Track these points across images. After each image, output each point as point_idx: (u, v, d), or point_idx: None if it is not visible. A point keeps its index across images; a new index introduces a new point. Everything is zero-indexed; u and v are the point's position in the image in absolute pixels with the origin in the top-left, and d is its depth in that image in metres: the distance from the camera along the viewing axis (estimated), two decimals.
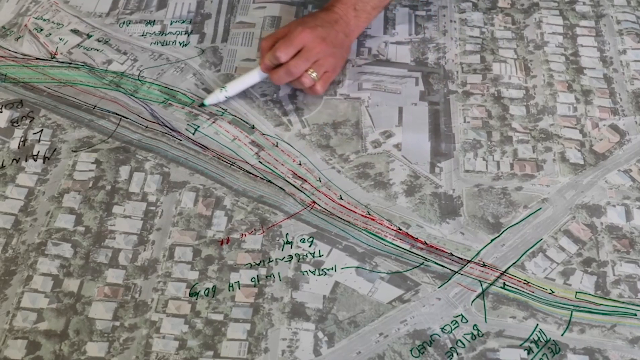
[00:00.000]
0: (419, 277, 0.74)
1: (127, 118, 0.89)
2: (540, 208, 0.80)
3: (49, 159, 0.85)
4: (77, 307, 0.72)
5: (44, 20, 1.03)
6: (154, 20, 1.03)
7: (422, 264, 0.75)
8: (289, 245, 0.77)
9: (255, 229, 0.78)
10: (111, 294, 0.73)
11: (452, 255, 0.76)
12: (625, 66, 0.95)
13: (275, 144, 0.87)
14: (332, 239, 0.77)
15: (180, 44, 0.99)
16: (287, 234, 0.78)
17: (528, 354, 0.69)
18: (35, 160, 0.85)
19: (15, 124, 0.89)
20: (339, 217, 0.79)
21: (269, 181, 0.83)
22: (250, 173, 0.84)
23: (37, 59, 0.97)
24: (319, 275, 0.75)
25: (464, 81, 0.94)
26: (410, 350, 0.69)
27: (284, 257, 0.76)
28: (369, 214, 0.80)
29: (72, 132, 0.88)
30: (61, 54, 0.98)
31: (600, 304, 0.72)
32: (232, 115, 0.90)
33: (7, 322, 0.71)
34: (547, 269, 0.75)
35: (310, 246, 0.77)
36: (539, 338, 0.70)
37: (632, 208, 0.80)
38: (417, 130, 0.88)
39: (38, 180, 0.83)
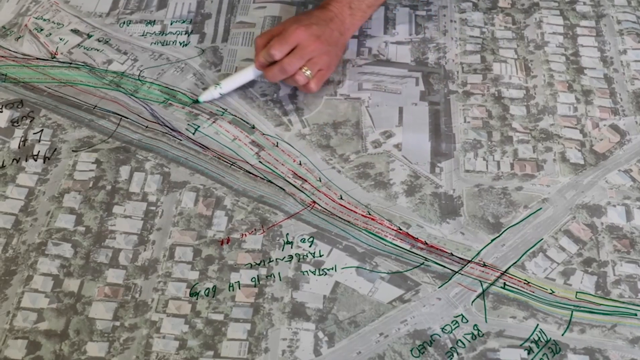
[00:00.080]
0: (419, 277, 0.74)
1: (127, 118, 0.89)
2: (541, 208, 0.80)
3: (49, 159, 0.85)
4: (78, 307, 0.72)
5: (44, 20, 1.03)
6: (154, 20, 1.03)
7: (423, 264, 0.75)
8: (289, 245, 0.77)
9: (255, 229, 0.78)
10: (111, 294, 0.73)
11: (453, 255, 0.76)
12: (625, 66, 0.95)
13: (276, 144, 0.87)
14: (332, 239, 0.77)
15: (180, 44, 0.99)
16: (288, 234, 0.78)
17: (528, 354, 0.69)
18: (36, 160, 0.85)
19: (15, 124, 0.89)
20: (339, 217, 0.79)
21: (269, 181, 0.83)
22: (250, 173, 0.84)
23: (37, 58, 0.97)
24: (319, 275, 0.75)
25: (465, 81, 0.94)
26: (411, 350, 0.69)
27: (284, 257, 0.76)
28: (369, 214, 0.80)
29: (72, 132, 0.88)
30: (61, 53, 0.98)
31: (601, 304, 0.72)
32: (232, 115, 0.90)
33: (7, 322, 0.71)
34: (548, 269, 0.75)
35: (310, 246, 0.77)
36: (539, 338, 0.70)
37: (632, 208, 0.80)
38: (418, 130, 0.88)
39: (38, 180, 0.83)
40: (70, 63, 0.96)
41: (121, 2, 1.06)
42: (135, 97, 0.92)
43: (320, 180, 0.83)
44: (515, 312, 0.72)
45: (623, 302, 0.72)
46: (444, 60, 0.96)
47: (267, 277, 0.75)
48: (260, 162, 0.85)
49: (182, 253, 0.76)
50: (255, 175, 0.83)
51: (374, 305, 0.72)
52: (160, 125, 0.88)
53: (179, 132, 0.88)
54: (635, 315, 0.71)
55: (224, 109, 0.90)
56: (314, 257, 0.76)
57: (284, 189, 0.82)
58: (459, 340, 0.70)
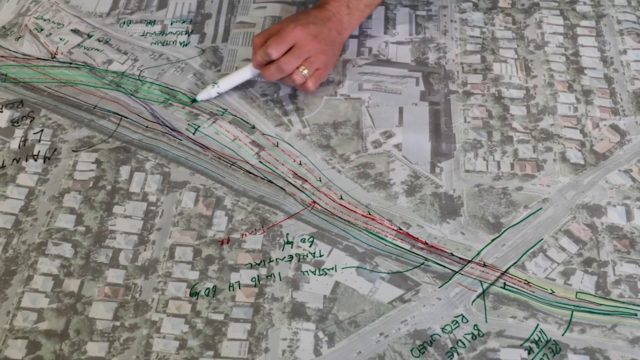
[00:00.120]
0: (420, 277, 0.74)
1: (127, 118, 0.89)
2: (541, 208, 0.80)
3: (49, 159, 0.85)
4: (78, 307, 0.72)
5: (45, 20, 1.03)
6: (155, 20, 1.03)
7: (423, 264, 0.75)
8: (290, 245, 0.77)
9: (255, 229, 0.78)
10: (111, 294, 0.73)
11: (453, 255, 0.76)
12: (625, 66, 0.95)
13: (276, 144, 0.87)
14: (332, 239, 0.77)
15: (180, 44, 0.99)
16: (288, 234, 0.78)
17: (529, 354, 0.69)
18: (36, 160, 0.85)
19: (15, 124, 0.89)
20: (339, 217, 0.79)
21: (270, 181, 0.83)
22: (250, 173, 0.84)
23: (37, 58, 0.97)
24: (320, 275, 0.75)
25: (465, 81, 0.94)
26: (411, 350, 0.69)
27: (285, 257, 0.76)
28: (370, 214, 0.80)
29: (72, 132, 0.88)
30: (62, 53, 0.98)
31: (601, 304, 0.72)
32: (232, 115, 0.90)
33: (7, 322, 0.71)
34: (548, 269, 0.75)
35: (310, 246, 0.77)
36: (539, 338, 0.70)
37: (632, 208, 0.80)
38: (418, 130, 0.88)
39: (38, 180, 0.83)
40: (71, 63, 0.96)
41: (121, 2, 1.06)
42: (136, 97, 0.92)
43: (321, 180, 0.83)
44: (515, 312, 0.72)
45: (623, 302, 0.72)
46: (444, 60, 0.96)
47: (267, 277, 0.75)
48: (260, 162, 0.85)
49: (182, 253, 0.76)
50: (256, 175, 0.83)
51: (374, 305, 0.72)
52: (161, 125, 0.88)
53: (179, 132, 0.88)
54: (636, 315, 0.71)
55: (224, 109, 0.90)
56: (314, 257, 0.76)
57: (284, 189, 0.82)
58: (459, 340, 0.70)
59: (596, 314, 0.71)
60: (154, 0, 1.06)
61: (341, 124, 0.89)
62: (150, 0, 1.06)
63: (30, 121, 0.89)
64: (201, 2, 1.06)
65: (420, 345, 0.69)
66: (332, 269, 0.75)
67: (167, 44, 0.99)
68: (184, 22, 1.03)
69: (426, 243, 0.77)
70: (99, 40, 1.00)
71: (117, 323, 0.71)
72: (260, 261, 0.76)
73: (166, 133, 0.88)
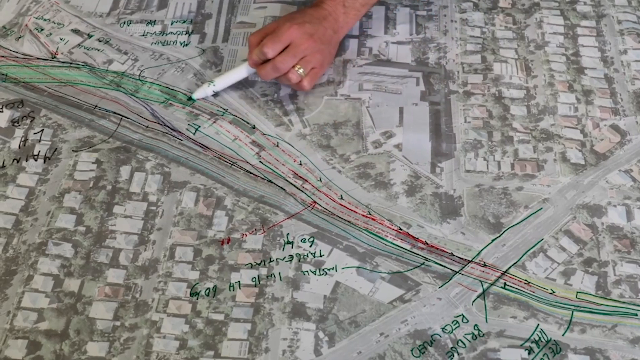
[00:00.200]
0: (420, 277, 0.74)
1: (127, 118, 0.89)
2: (541, 208, 0.80)
3: (49, 159, 0.85)
4: (78, 307, 0.72)
5: (45, 20, 1.03)
6: (155, 20, 1.03)
7: (423, 264, 0.75)
8: (290, 245, 0.77)
9: (256, 229, 0.78)
10: (112, 294, 0.73)
11: (453, 255, 0.76)
12: (626, 66, 0.95)
13: (276, 144, 0.87)
14: (332, 239, 0.77)
15: (181, 44, 0.99)
16: (288, 233, 0.78)
17: (529, 354, 0.69)
18: (36, 160, 0.85)
19: (15, 124, 0.89)
20: (339, 217, 0.79)
21: (270, 181, 0.83)
22: (251, 173, 0.84)
23: (37, 58, 0.97)
24: (320, 275, 0.75)
25: (465, 81, 0.94)
26: (411, 350, 0.69)
27: (285, 257, 0.76)
28: (370, 214, 0.80)
29: (72, 132, 0.88)
30: (62, 53, 0.98)
31: (601, 304, 0.72)
32: (232, 115, 0.90)
33: (7, 322, 0.71)
34: (548, 269, 0.75)
35: (311, 246, 0.77)
36: (539, 338, 0.70)
37: (632, 208, 0.80)
38: (418, 130, 0.88)
39: (39, 180, 0.83)
40: (71, 63, 0.96)
41: (121, 2, 1.06)
42: (136, 97, 0.92)
43: (321, 180, 0.83)
44: (515, 312, 0.72)
45: (623, 302, 0.72)
46: (444, 60, 0.96)
47: (267, 277, 0.74)
48: (260, 162, 0.85)
49: (183, 253, 0.76)
50: (256, 175, 0.83)
51: (375, 305, 0.72)
52: (161, 125, 0.88)
53: (180, 132, 0.88)
54: (636, 315, 0.71)
55: (224, 109, 0.90)
56: (314, 257, 0.76)
57: (284, 189, 0.82)
58: (460, 340, 0.70)
59: (596, 314, 0.71)
60: (154, 0, 1.06)
61: (341, 124, 0.89)
62: (150, 0, 1.06)
63: (31, 121, 0.89)
64: (201, 2, 1.06)
65: (420, 345, 0.69)
66: (333, 269, 0.75)
67: (167, 44, 0.99)
68: (184, 22, 1.03)
69: (426, 243, 0.77)
70: (99, 40, 1.00)
71: (118, 323, 0.71)
72: (261, 261, 0.76)
73: (166, 133, 0.88)
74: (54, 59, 0.97)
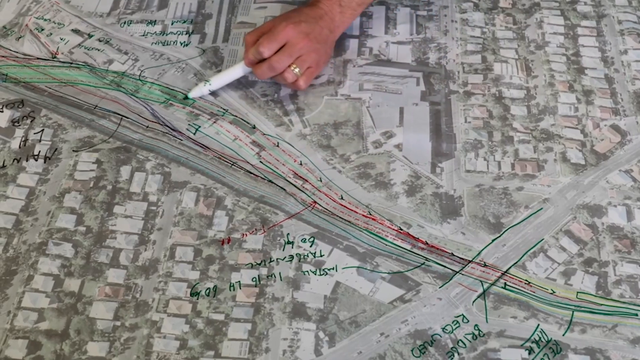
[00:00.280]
0: (420, 277, 0.74)
1: (128, 118, 0.89)
2: (542, 208, 0.80)
3: (49, 159, 0.85)
4: (78, 306, 0.72)
5: (45, 20, 1.03)
6: (155, 20, 1.03)
7: (423, 264, 0.75)
8: (290, 245, 0.77)
9: (256, 229, 0.78)
10: (112, 294, 0.73)
11: (453, 255, 0.76)
12: (626, 66, 0.95)
13: (277, 144, 0.86)
14: (333, 239, 0.77)
15: (181, 44, 0.99)
16: (288, 233, 0.78)
17: (529, 354, 0.69)
18: (36, 160, 0.85)
19: (16, 124, 0.89)
20: (340, 217, 0.79)
21: (270, 181, 0.83)
22: (251, 173, 0.84)
23: (38, 58, 0.97)
24: (320, 275, 0.75)
25: (465, 81, 0.94)
26: (412, 350, 0.69)
27: (285, 257, 0.76)
28: (370, 214, 0.80)
29: (73, 132, 0.88)
30: (62, 53, 0.98)
31: (602, 304, 0.72)
32: (233, 115, 0.90)
33: (8, 322, 0.71)
34: (548, 269, 0.75)
35: (311, 246, 0.77)
36: (540, 338, 0.70)
37: (633, 208, 0.80)
38: (418, 130, 0.88)
39: (39, 180, 0.83)
40: (71, 63, 0.96)
41: (122, 2, 1.06)
42: (136, 97, 0.92)
43: (321, 180, 0.83)
44: (516, 312, 0.72)
45: (624, 302, 0.72)
46: (444, 60, 0.96)
47: (267, 277, 0.74)
48: (261, 162, 0.85)
49: (183, 253, 0.76)
50: (256, 175, 0.83)
51: (375, 305, 0.72)
52: (161, 125, 0.88)
53: (180, 132, 0.88)
54: (636, 315, 0.71)
55: (224, 109, 0.90)
56: (314, 257, 0.76)
57: (284, 189, 0.82)
58: (460, 340, 0.70)
59: (597, 314, 0.71)
60: (155, 0, 1.06)
61: (342, 124, 0.89)
62: (150, 0, 1.06)
63: (31, 121, 0.89)
64: (202, 2, 1.06)
65: (420, 345, 0.69)
66: (333, 269, 0.75)
67: (167, 44, 0.99)
68: (184, 22, 1.03)
69: (427, 243, 0.77)
70: (100, 40, 1.00)
71: (118, 323, 0.71)
72: (261, 261, 0.76)
73: (167, 133, 0.88)
74: (55, 59, 0.97)
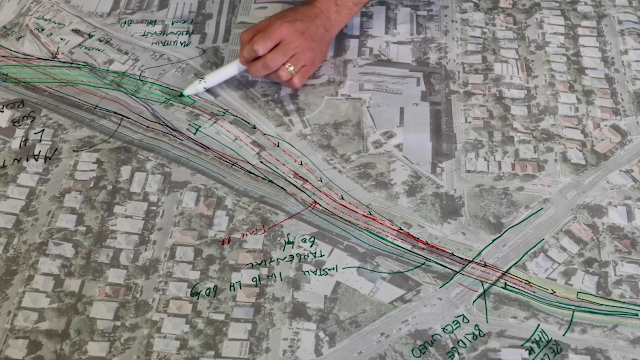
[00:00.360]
0: (421, 277, 0.74)
1: (128, 118, 0.89)
2: (542, 208, 0.80)
3: (50, 159, 0.85)
4: (78, 306, 0.72)
5: (45, 20, 1.03)
6: (155, 20, 1.03)
7: (424, 264, 0.75)
8: (290, 245, 0.77)
9: (256, 229, 0.78)
10: (112, 294, 0.73)
11: (454, 255, 0.76)
12: (626, 66, 0.95)
13: (277, 144, 0.86)
14: (333, 239, 0.77)
15: (181, 44, 0.99)
16: (289, 233, 0.78)
17: (529, 354, 0.69)
18: (37, 160, 0.85)
19: (16, 124, 0.89)
20: (340, 217, 0.79)
21: (270, 181, 0.83)
22: (251, 173, 0.84)
23: (38, 58, 0.97)
24: (320, 275, 0.75)
25: (466, 81, 0.94)
26: (412, 350, 0.69)
27: (285, 257, 0.76)
28: (370, 214, 0.80)
29: (73, 132, 0.88)
30: (62, 53, 0.98)
31: (602, 304, 0.72)
32: (233, 115, 0.90)
33: (8, 322, 0.71)
34: (549, 269, 0.75)
35: (311, 246, 0.77)
36: (540, 338, 0.70)
37: (633, 208, 0.80)
38: (419, 130, 0.88)
39: (39, 180, 0.83)
40: (71, 63, 0.96)
41: (122, 2, 1.06)
42: (136, 97, 0.92)
43: (322, 181, 0.83)
44: (516, 312, 0.72)
45: (624, 303, 0.72)
46: (445, 61, 0.96)
47: (268, 277, 0.74)
48: (261, 162, 0.85)
49: (183, 253, 0.76)
50: (256, 175, 0.83)
51: (375, 305, 0.72)
52: (161, 125, 0.88)
53: (180, 132, 0.88)
54: (637, 315, 0.71)
55: (225, 109, 0.90)
56: (315, 257, 0.76)
57: (285, 189, 0.82)
58: (460, 340, 0.70)
59: (597, 314, 0.71)
60: (155, 0, 1.06)
61: (342, 124, 0.89)
62: (151, 0, 1.06)
63: (31, 121, 0.89)
64: (202, 2, 1.06)
65: (421, 345, 0.69)
66: (333, 269, 0.75)
67: (168, 44, 0.99)
68: (184, 22, 1.03)
69: (427, 243, 0.77)
70: (100, 40, 1.00)
71: (118, 323, 0.71)
72: (261, 261, 0.76)
73: (167, 133, 0.88)
74: (55, 59, 0.97)
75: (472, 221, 0.79)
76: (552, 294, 0.73)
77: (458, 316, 0.71)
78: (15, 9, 1.05)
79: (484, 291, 0.73)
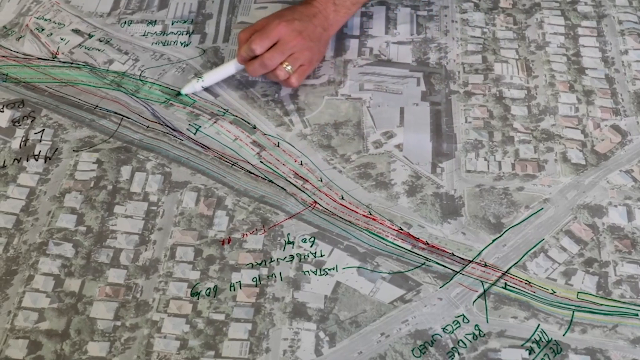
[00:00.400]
0: (421, 277, 0.74)
1: (128, 118, 0.89)
2: (542, 208, 0.80)
3: (50, 159, 0.85)
4: (79, 306, 0.72)
5: (46, 20, 1.03)
6: (155, 20, 1.03)
7: (424, 264, 0.75)
8: (291, 245, 0.77)
9: (256, 229, 0.78)
10: (112, 294, 0.73)
11: (454, 255, 0.76)
12: (627, 66, 0.95)
13: (277, 144, 0.86)
14: (333, 239, 0.77)
15: (181, 44, 0.99)
16: (289, 233, 0.78)
17: (530, 354, 0.69)
18: (37, 160, 0.85)
19: (16, 124, 0.89)
20: (340, 217, 0.79)
21: (271, 181, 0.83)
22: (251, 173, 0.84)
23: (38, 58, 0.97)
24: (321, 275, 0.75)
25: (466, 81, 0.94)
26: (412, 350, 0.69)
27: (286, 257, 0.76)
28: (371, 214, 0.80)
29: (73, 132, 0.88)
30: (62, 53, 0.98)
31: (602, 304, 0.72)
32: (233, 115, 0.90)
33: (8, 322, 0.71)
34: (549, 269, 0.75)
35: (311, 246, 0.77)
36: (540, 338, 0.70)
37: (633, 208, 0.80)
38: (419, 130, 0.88)
39: (39, 180, 0.83)
40: (72, 63, 0.96)
41: (122, 2, 1.06)
42: (136, 97, 0.92)
43: (322, 181, 0.83)
44: (516, 312, 0.72)
45: (624, 303, 0.72)
46: (445, 61, 0.96)
47: (268, 277, 0.74)
48: (261, 162, 0.85)
49: (183, 253, 0.76)
50: (257, 175, 0.83)
51: (375, 305, 0.72)
52: (162, 125, 0.88)
53: (180, 132, 0.88)
54: (637, 315, 0.71)
55: (225, 109, 0.90)
56: (315, 257, 0.76)
57: (285, 189, 0.82)
58: (460, 340, 0.70)
59: (597, 314, 0.71)
60: (155, 0, 1.06)
61: (342, 124, 0.89)
62: (151, 0, 1.06)
63: (31, 121, 0.89)
64: (202, 2, 1.06)
65: (421, 345, 0.69)
66: (333, 269, 0.75)
67: (168, 44, 0.99)
68: (184, 22, 1.03)
69: (427, 243, 0.77)
70: (100, 40, 1.00)
71: (118, 323, 0.71)
72: (261, 261, 0.76)
73: (167, 133, 0.88)
74: (55, 59, 0.97)
75: (472, 221, 0.79)
76: (552, 294, 0.73)
77: (458, 316, 0.71)
78: (15, 9, 1.05)
79: (484, 291, 0.73)
